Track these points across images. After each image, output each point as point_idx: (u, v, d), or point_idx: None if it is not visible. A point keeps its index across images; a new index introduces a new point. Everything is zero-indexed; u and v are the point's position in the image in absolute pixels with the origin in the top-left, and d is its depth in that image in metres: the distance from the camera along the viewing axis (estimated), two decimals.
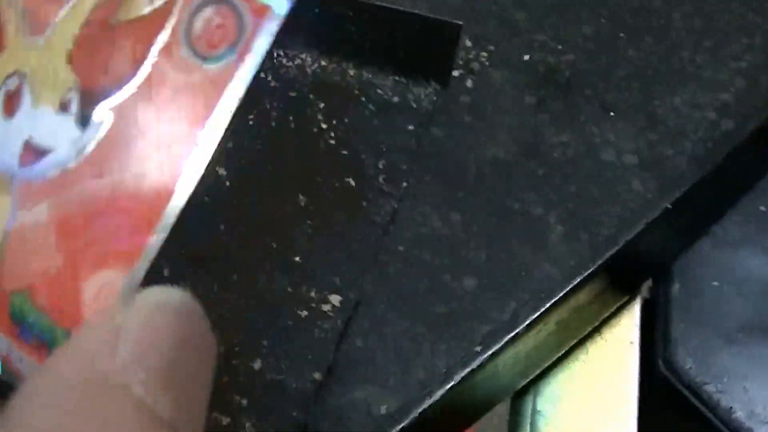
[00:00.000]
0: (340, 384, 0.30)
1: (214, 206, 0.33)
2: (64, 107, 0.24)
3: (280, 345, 0.31)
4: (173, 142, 0.23)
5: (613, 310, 0.34)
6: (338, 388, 0.30)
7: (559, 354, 0.33)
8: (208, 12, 0.24)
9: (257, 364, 0.30)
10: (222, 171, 0.34)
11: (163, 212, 0.23)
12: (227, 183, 0.33)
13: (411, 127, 0.35)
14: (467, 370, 0.30)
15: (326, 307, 0.31)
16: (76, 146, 0.24)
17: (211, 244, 0.32)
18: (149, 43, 0.24)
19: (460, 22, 0.35)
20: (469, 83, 0.36)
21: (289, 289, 0.32)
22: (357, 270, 0.32)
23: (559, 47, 0.36)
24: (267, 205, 0.33)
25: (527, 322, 0.31)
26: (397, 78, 0.36)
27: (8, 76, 0.25)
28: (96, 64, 0.24)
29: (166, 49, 0.24)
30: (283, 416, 0.30)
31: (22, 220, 0.24)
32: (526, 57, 0.36)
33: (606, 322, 0.34)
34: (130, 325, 0.20)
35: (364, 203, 0.33)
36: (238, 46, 0.23)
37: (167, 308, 0.20)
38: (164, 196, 0.23)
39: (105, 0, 0.25)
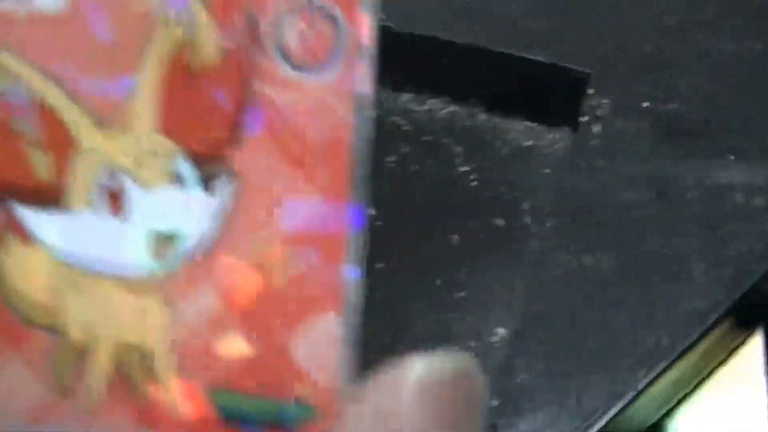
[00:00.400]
0: (513, 413, 0.32)
1: (371, 246, 0.35)
2: (178, 180, 0.22)
3: None
4: (311, 165, 0.22)
5: (741, 340, 0.37)
6: (512, 417, 0.32)
7: (695, 385, 0.36)
8: (296, 21, 0.22)
9: None
10: (372, 211, 0.36)
11: (344, 243, 0.22)
12: (378, 223, 0.35)
13: (547, 170, 0.37)
14: (626, 399, 0.33)
15: (493, 339, 0.33)
16: (210, 214, 0.22)
17: (372, 281, 0.34)
18: (245, 76, 0.22)
19: (589, 71, 0.37)
20: (596, 129, 0.38)
21: (458, 322, 0.34)
22: (515, 306, 0.34)
23: (675, 96, 0.39)
24: (421, 244, 0.35)
25: (679, 351, 0.33)
26: (527, 123, 0.38)
27: (98, 174, 0.22)
28: (194, 123, 0.22)
29: (264, 77, 0.22)
30: None
31: (185, 315, 0.22)
32: (645, 104, 0.39)
33: (733, 352, 0.37)
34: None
35: (514, 243, 0.35)
36: (342, 45, 0.22)
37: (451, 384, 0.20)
38: (337, 223, 0.22)
39: (172, 60, 0.23)
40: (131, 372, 0.22)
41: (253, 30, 0.22)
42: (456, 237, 0.36)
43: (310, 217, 0.22)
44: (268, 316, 0.22)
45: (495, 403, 0.32)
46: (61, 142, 0.22)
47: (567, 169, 0.37)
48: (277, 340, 0.22)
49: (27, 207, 0.22)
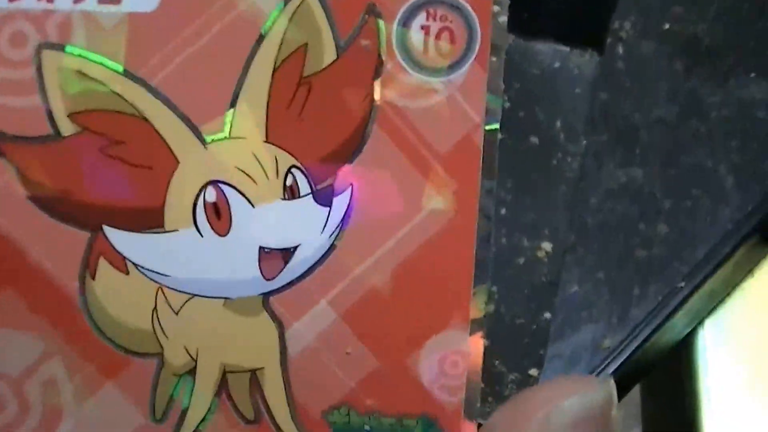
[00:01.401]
0: (567, 325, 0.33)
1: None
2: (291, 193, 0.20)
3: (509, 290, 0.33)
4: (437, 167, 0.20)
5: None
6: (566, 328, 0.33)
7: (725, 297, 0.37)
8: (421, 19, 0.20)
9: (491, 308, 0.33)
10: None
11: (471, 256, 0.20)
12: None
13: (578, 91, 0.38)
14: (674, 304, 0.33)
15: (540, 254, 0.34)
16: (325, 230, 0.20)
17: None
18: (364, 82, 0.20)
19: None
20: (620, 50, 0.39)
21: (504, 240, 0.34)
22: (560, 221, 0.35)
23: (695, 18, 0.40)
24: None
25: (715, 264, 0.34)
26: (555, 46, 0.39)
27: (201, 191, 0.20)
28: (307, 130, 0.20)
29: (387, 81, 0.20)
30: (527, 353, 0.32)
31: (301, 335, 0.21)
32: (666, 26, 0.40)
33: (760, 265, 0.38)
34: None
35: (554, 161, 0.36)
36: (473, 42, 0.20)
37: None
38: (461, 230, 0.20)
39: (284, 64, 0.20)
40: (238, 394, 0.21)
41: (374, 29, 0.20)
42: None
43: (437, 229, 0.20)
44: (391, 332, 0.21)
45: (547, 315, 0.33)
46: (160, 159, 0.20)
47: (597, 90, 0.38)
48: (400, 357, 0.21)
49: (124, 231, 0.20)
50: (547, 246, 0.34)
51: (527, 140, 0.37)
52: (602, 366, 0.32)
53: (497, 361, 0.32)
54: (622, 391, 0.32)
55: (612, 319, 0.33)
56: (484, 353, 0.29)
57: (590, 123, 0.37)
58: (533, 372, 0.32)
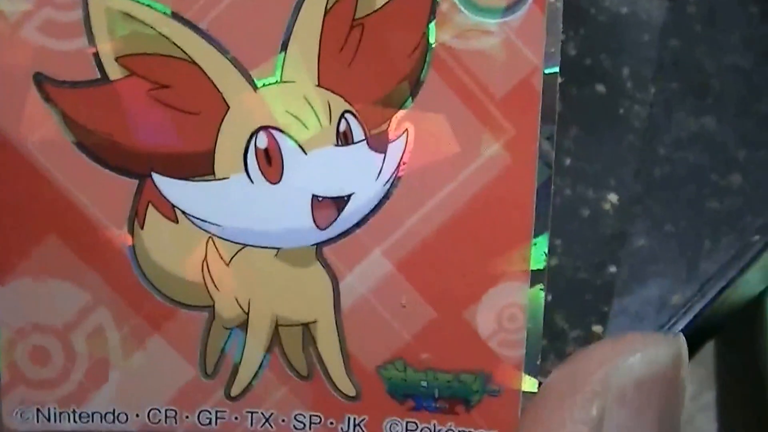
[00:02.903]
0: (633, 280, 0.32)
1: None
2: (344, 139, 0.20)
3: (572, 243, 0.32)
4: (498, 119, 0.20)
5: None
6: (632, 283, 0.32)
7: None
8: None
9: (553, 261, 0.32)
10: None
11: (530, 207, 0.20)
12: None
13: (646, 38, 0.36)
14: (747, 258, 0.32)
15: (606, 206, 0.33)
16: (379, 177, 0.20)
17: None
18: (419, 23, 0.19)
19: None
20: None
21: (568, 191, 0.33)
22: (627, 171, 0.33)
23: None
24: None
25: None
26: None
27: (252, 137, 0.20)
28: (361, 74, 0.19)
29: (442, 22, 0.19)
30: (590, 309, 0.31)
31: (355, 287, 0.20)
32: None
33: None
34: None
35: (620, 110, 0.35)
36: None
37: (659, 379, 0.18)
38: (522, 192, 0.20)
39: (334, 5, 0.19)
40: (290, 348, 0.20)
41: None
42: (559, 103, 0.35)
43: (494, 175, 0.20)
44: (448, 283, 0.20)
45: (613, 269, 0.32)
46: (209, 103, 0.19)
47: (666, 36, 0.36)
48: (457, 310, 0.20)
49: (173, 178, 0.20)
50: (612, 197, 0.33)
51: (593, 88, 0.35)
52: (670, 323, 0.31)
53: (559, 317, 0.31)
54: (692, 349, 0.31)
55: (681, 274, 0.32)
56: (545, 308, 0.28)
57: (659, 71, 0.36)
58: (597, 329, 0.31)
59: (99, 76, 0.19)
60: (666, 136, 0.34)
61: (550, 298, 0.31)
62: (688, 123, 0.34)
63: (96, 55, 0.19)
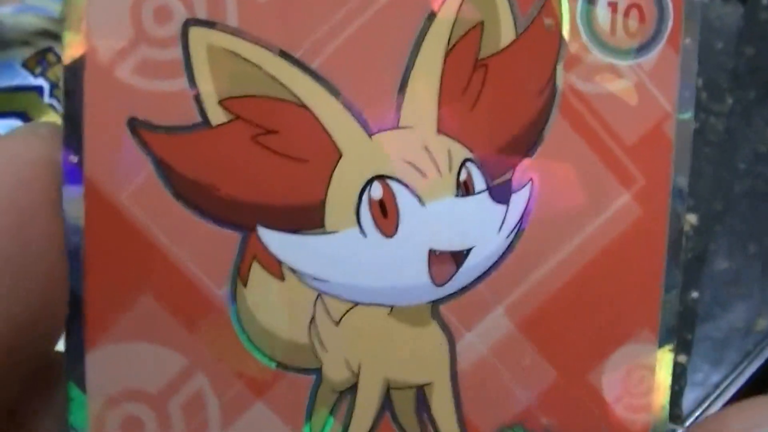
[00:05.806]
0: (716, 304, 0.30)
1: None
2: (465, 189, 0.19)
3: None
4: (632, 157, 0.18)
5: None
6: (715, 308, 0.30)
7: None
8: None
9: None
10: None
11: (662, 255, 0.18)
12: None
13: (721, 45, 0.35)
14: None
15: (685, 227, 0.31)
16: (502, 230, 0.19)
17: None
18: (546, 64, 0.18)
19: None
20: (765, 0, 0.36)
21: None
22: (705, 188, 0.32)
23: None
24: None
25: None
26: None
27: (366, 187, 0.19)
28: (483, 119, 0.18)
29: (571, 63, 0.18)
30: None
31: (473, 347, 0.19)
32: None
33: None
34: None
35: (696, 123, 0.33)
36: (664, 20, 0.18)
37: None
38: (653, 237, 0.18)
39: (456, 46, 0.18)
40: (403, 412, 0.19)
41: (556, 5, 0.18)
42: None
43: (623, 229, 0.18)
44: (572, 343, 0.19)
45: (695, 294, 0.30)
46: (320, 150, 0.18)
47: (741, 43, 0.35)
48: (581, 371, 0.19)
49: (280, 232, 0.18)
50: (692, 218, 0.32)
51: None
52: (756, 350, 0.30)
53: None
54: None
55: (766, 297, 0.30)
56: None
57: (735, 80, 0.34)
58: (681, 359, 0.30)
59: (200, 120, 0.18)
60: (745, 149, 0.33)
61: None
62: (767, 134, 0.33)
63: (197, 97, 0.17)
